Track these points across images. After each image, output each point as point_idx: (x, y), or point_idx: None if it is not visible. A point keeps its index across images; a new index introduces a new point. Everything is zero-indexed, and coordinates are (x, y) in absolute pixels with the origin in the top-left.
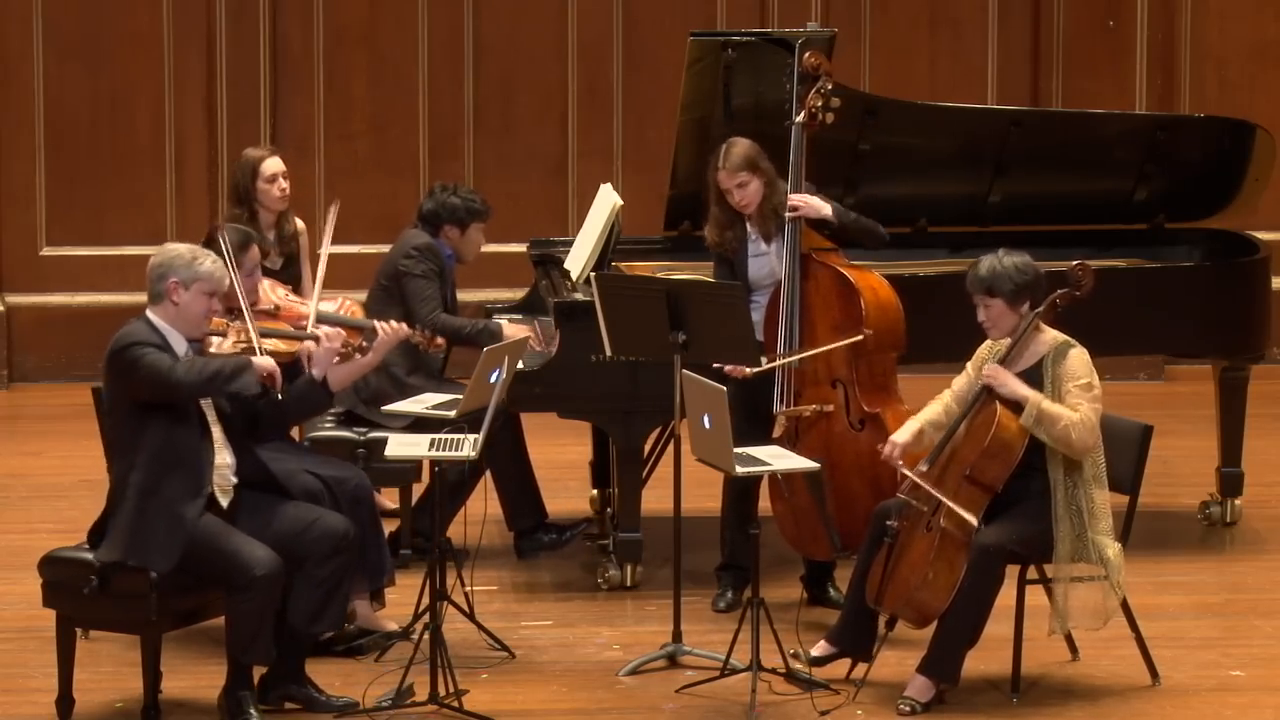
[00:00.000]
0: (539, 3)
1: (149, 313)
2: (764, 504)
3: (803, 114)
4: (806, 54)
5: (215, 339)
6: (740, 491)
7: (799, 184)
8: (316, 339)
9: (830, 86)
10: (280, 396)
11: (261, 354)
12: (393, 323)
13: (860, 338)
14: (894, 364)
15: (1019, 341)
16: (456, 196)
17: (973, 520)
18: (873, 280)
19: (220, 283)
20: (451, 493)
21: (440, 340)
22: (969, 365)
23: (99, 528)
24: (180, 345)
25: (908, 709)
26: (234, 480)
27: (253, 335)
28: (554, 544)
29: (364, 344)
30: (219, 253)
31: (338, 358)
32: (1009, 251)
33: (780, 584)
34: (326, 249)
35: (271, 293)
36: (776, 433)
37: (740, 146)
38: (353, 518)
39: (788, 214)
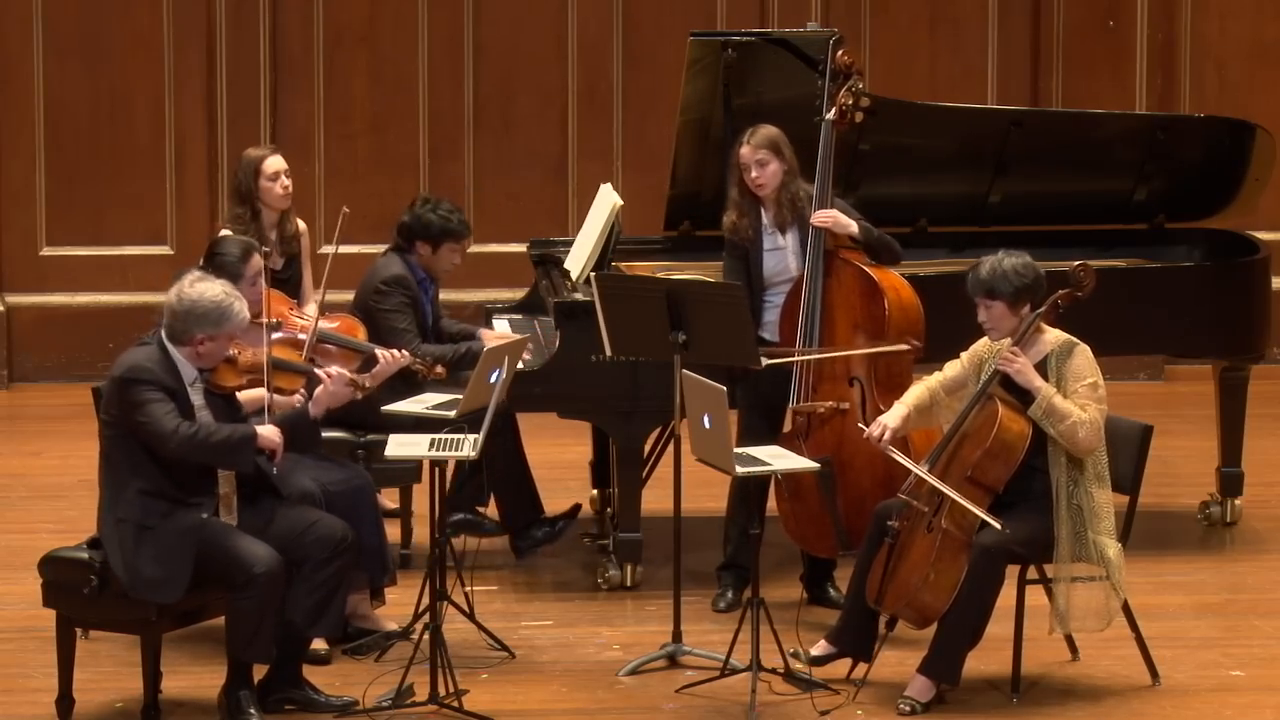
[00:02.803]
0: (539, 3)
1: (166, 340)
2: (772, 504)
3: (833, 111)
4: (840, 51)
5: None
6: (744, 492)
7: (827, 180)
8: (323, 379)
9: (861, 85)
10: (275, 470)
11: (269, 388)
12: (394, 351)
13: (908, 348)
14: (910, 365)
15: (1020, 341)
16: (435, 214)
17: (995, 523)
18: (895, 280)
19: (246, 322)
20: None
21: (440, 369)
22: (964, 356)
23: (98, 538)
24: (190, 373)
25: (908, 709)
26: (235, 499)
27: (265, 366)
28: (549, 536)
29: (364, 381)
30: (226, 264)
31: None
32: (1010, 253)
33: (780, 584)
34: (332, 253)
35: (276, 305)
36: (787, 427)
37: (768, 128)
38: (355, 516)
39: (814, 222)
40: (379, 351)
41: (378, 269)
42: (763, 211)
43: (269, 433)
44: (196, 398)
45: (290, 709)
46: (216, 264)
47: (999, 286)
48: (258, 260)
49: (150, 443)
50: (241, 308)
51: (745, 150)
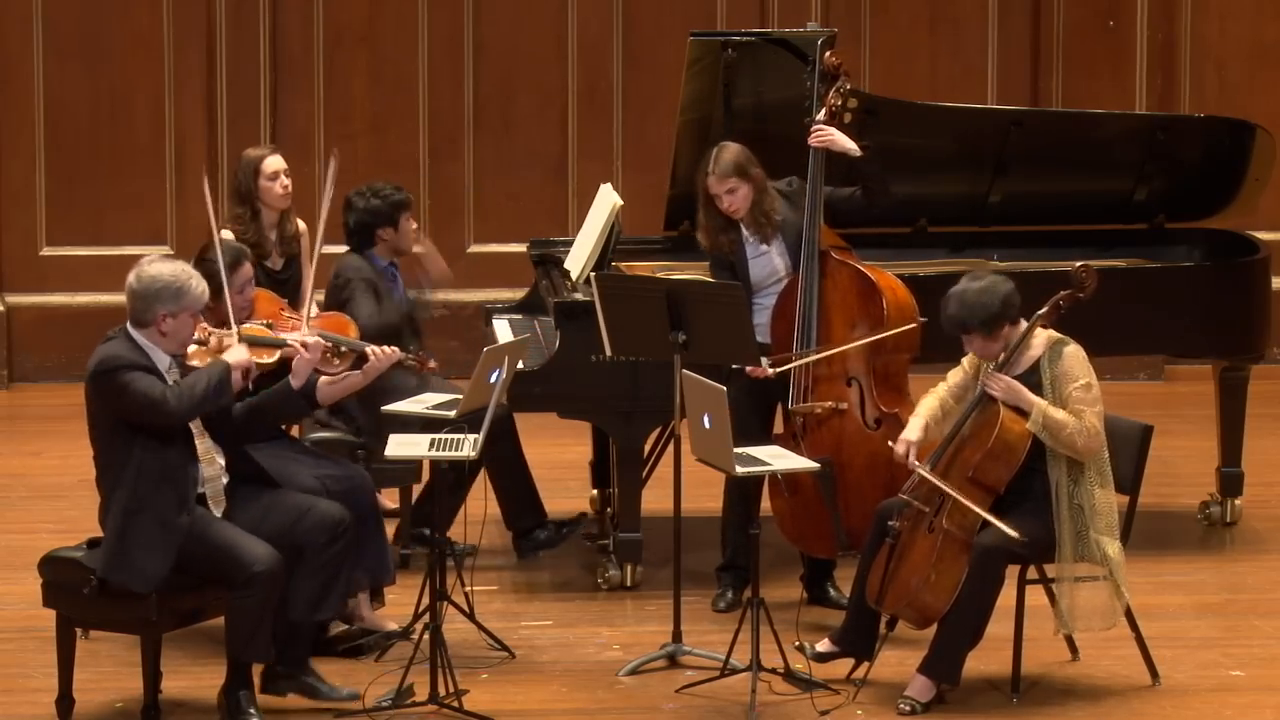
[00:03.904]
0: (539, 3)
1: (131, 329)
2: (765, 504)
3: (823, 113)
4: (827, 53)
5: (195, 348)
6: (742, 491)
7: (818, 183)
8: (298, 349)
9: (849, 86)
10: (251, 388)
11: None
12: (385, 348)
13: (914, 325)
14: (907, 365)
15: (1018, 346)
16: (376, 198)
17: (1011, 533)
18: (891, 280)
19: (205, 299)
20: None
21: (433, 364)
22: (964, 361)
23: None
24: (163, 360)
25: (908, 709)
26: (225, 481)
27: (235, 340)
28: (551, 541)
29: (337, 363)
30: (211, 268)
31: (320, 372)
32: (974, 276)
33: (780, 584)
34: (326, 205)
35: (267, 306)
36: (780, 429)
37: (730, 152)
38: (355, 517)
39: (813, 142)
40: (369, 349)
41: (337, 269)
42: (742, 228)
43: (236, 355)
44: (174, 379)
45: (294, 700)
46: (203, 271)
47: (968, 321)
48: (247, 268)
49: (147, 417)
50: (199, 285)
51: (711, 181)
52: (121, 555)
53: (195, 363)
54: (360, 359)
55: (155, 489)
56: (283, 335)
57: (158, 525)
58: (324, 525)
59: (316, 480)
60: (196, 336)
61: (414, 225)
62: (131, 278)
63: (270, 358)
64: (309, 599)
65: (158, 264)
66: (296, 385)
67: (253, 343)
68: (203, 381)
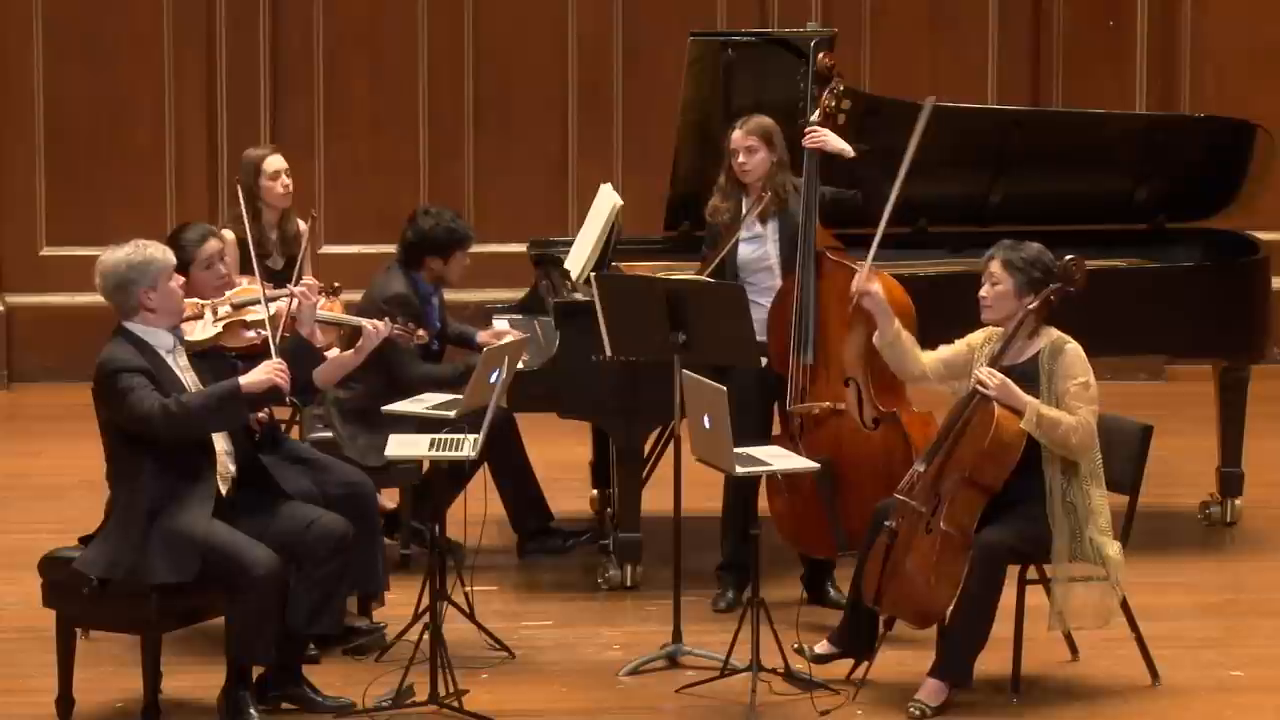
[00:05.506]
0: (539, 3)
1: (125, 325)
2: (765, 504)
3: (818, 114)
4: (821, 54)
5: (195, 323)
6: (741, 491)
7: (813, 184)
8: (296, 295)
9: (842, 87)
10: (289, 399)
11: (249, 325)
12: (374, 322)
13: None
14: None
15: (1013, 335)
16: (440, 226)
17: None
18: (888, 281)
19: (171, 259)
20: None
21: (422, 332)
22: (961, 341)
23: (95, 536)
24: (166, 340)
25: (918, 713)
26: (233, 468)
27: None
28: (556, 549)
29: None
30: (184, 246)
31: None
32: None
33: (780, 584)
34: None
35: (250, 285)
36: (778, 429)
37: (763, 117)
38: (354, 524)
39: (806, 143)
40: (365, 323)
41: (380, 286)
42: (744, 201)
43: (257, 376)
44: (180, 359)
45: (288, 708)
46: (174, 247)
47: (1010, 256)
48: (214, 244)
49: (138, 431)
50: (156, 249)
51: (736, 135)
52: (152, 556)
53: (189, 336)
54: (352, 336)
55: (174, 487)
56: (274, 291)
57: (181, 524)
58: (326, 539)
59: (315, 487)
60: (191, 313)
61: (467, 262)
62: (97, 281)
63: (244, 335)
64: (305, 611)
65: (110, 255)
66: (305, 332)
67: (246, 304)
68: (200, 398)
